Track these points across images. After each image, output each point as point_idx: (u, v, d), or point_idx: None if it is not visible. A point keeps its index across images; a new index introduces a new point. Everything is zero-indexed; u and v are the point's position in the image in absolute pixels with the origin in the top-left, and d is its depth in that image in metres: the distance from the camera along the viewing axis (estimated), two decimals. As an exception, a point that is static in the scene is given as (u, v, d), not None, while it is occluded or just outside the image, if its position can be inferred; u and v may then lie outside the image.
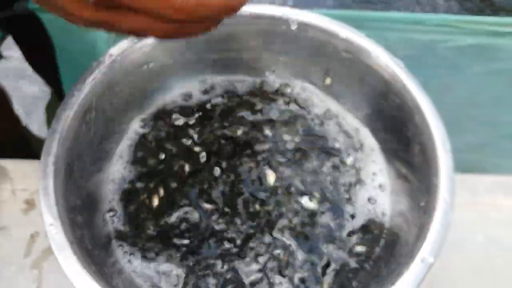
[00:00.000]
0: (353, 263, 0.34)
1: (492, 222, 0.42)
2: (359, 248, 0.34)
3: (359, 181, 0.37)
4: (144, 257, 0.34)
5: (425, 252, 0.28)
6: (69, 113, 0.33)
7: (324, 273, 0.33)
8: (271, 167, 0.37)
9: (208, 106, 0.40)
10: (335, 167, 0.38)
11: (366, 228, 0.35)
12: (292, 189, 0.36)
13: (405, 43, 0.59)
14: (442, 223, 0.30)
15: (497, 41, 0.58)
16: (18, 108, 0.80)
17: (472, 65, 0.61)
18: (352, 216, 0.36)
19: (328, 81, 0.41)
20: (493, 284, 0.39)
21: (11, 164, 0.45)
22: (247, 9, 0.36)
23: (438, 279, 0.39)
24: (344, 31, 0.37)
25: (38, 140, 0.70)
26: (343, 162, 0.38)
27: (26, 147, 0.65)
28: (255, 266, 0.33)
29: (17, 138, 0.65)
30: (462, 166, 0.45)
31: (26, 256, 0.40)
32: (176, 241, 0.34)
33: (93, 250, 0.30)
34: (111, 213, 0.35)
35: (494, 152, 0.67)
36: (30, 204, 0.42)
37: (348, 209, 0.36)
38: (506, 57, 0.59)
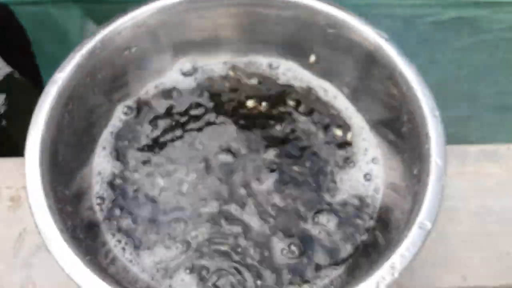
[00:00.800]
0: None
1: (483, 190, 0.42)
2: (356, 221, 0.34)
3: (352, 158, 0.37)
4: (136, 247, 0.33)
5: (422, 217, 0.28)
6: (50, 103, 0.32)
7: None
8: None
9: (193, 88, 0.40)
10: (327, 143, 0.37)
11: (361, 202, 0.35)
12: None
13: (385, 19, 0.59)
14: (436, 188, 0.29)
15: (478, 13, 0.58)
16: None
17: (453, 39, 0.61)
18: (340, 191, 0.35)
19: (312, 58, 0.40)
20: (489, 251, 0.40)
21: (-6, 162, 0.43)
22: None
23: (433, 249, 0.39)
24: (326, 7, 0.37)
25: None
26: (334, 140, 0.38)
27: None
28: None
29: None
30: (448, 140, 0.45)
31: (16, 255, 0.39)
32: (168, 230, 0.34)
33: (85, 239, 0.30)
34: (99, 200, 0.34)
35: (478, 124, 0.68)
36: (16, 201, 0.41)
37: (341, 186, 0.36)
38: (487, 29, 0.59)
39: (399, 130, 0.35)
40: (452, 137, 0.46)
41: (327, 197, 0.35)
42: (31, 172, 0.30)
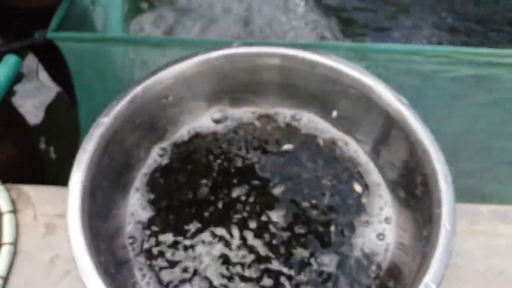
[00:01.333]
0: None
1: (491, 251, 0.43)
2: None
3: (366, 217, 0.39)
4: (160, 283, 0.36)
5: (428, 279, 0.30)
6: (93, 145, 0.36)
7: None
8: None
9: (222, 134, 0.43)
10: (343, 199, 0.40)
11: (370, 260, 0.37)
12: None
13: (405, 74, 0.61)
14: (444, 251, 0.31)
15: (494, 72, 0.61)
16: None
17: (470, 95, 0.63)
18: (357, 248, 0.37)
19: (334, 114, 0.43)
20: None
21: (32, 190, 0.47)
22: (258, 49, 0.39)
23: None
24: (351, 70, 0.40)
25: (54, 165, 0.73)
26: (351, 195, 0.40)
27: (41, 172, 0.67)
28: None
29: (34, 164, 0.67)
30: (461, 192, 0.47)
31: (46, 279, 0.42)
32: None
33: (116, 274, 0.32)
34: (131, 240, 0.37)
35: (492, 178, 0.69)
36: (50, 229, 0.44)
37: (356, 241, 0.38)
38: (503, 87, 0.62)
39: (413, 191, 0.37)
40: (466, 189, 0.48)
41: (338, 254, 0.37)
42: (72, 209, 0.33)
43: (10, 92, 0.67)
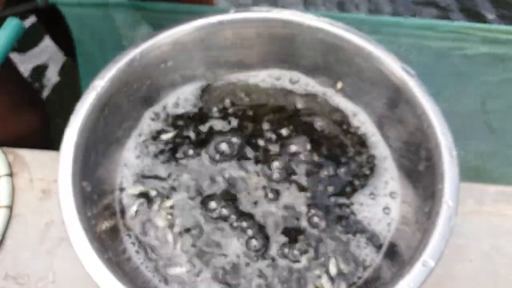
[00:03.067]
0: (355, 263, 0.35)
1: (497, 231, 0.42)
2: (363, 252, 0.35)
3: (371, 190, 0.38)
4: (150, 248, 0.35)
5: (426, 255, 0.29)
6: (87, 108, 0.35)
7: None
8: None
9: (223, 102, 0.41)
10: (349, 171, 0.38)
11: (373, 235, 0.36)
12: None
13: (418, 50, 0.59)
14: (445, 228, 0.30)
15: (509, 50, 0.59)
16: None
17: (483, 74, 0.61)
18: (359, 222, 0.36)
19: (339, 85, 0.42)
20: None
21: (29, 154, 0.46)
22: (260, 14, 0.37)
23: (442, 286, 0.40)
24: (357, 38, 0.38)
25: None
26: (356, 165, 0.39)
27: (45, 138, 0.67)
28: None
29: (46, 132, 0.67)
30: (470, 174, 0.45)
31: (41, 243, 0.42)
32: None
33: (106, 239, 0.32)
34: (122, 205, 0.36)
35: (503, 161, 0.67)
36: (46, 193, 0.44)
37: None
38: (518, 66, 0.59)
39: (418, 166, 0.36)
40: (475, 172, 0.46)
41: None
42: (63, 169, 0.32)
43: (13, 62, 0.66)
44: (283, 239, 0.36)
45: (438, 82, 0.61)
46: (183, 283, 0.33)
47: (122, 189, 0.37)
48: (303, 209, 0.37)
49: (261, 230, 0.36)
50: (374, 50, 0.37)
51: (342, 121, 0.41)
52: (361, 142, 0.40)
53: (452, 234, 0.31)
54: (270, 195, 0.37)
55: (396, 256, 0.33)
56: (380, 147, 0.40)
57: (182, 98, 0.41)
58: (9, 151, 0.46)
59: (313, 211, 0.37)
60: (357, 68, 0.39)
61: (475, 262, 0.41)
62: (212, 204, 0.37)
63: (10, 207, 0.43)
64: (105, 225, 0.33)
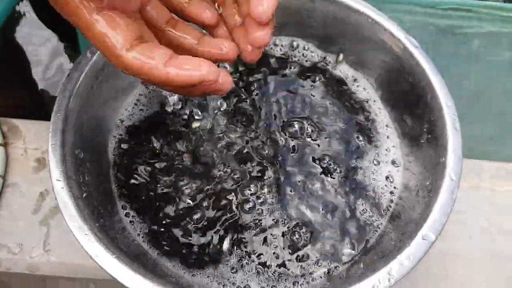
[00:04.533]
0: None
1: (496, 207, 0.42)
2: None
3: (374, 157, 0.37)
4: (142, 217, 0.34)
5: (427, 229, 0.28)
6: (80, 74, 0.34)
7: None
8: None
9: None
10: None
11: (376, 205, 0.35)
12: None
13: (420, 28, 0.58)
14: (446, 202, 0.29)
15: (517, 30, 0.57)
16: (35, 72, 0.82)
17: (491, 54, 0.60)
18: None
19: (341, 57, 0.41)
20: (494, 270, 0.39)
21: (23, 124, 0.45)
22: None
23: (437, 264, 0.39)
24: (360, 6, 0.37)
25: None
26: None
27: (41, 112, 0.66)
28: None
29: (33, 103, 0.66)
30: (472, 156, 0.44)
31: (35, 213, 0.41)
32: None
33: (99, 207, 0.31)
34: (115, 170, 0.36)
35: (506, 143, 0.66)
36: (41, 163, 0.43)
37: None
38: (526, 47, 0.58)
39: (420, 137, 0.35)
40: (476, 154, 0.45)
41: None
42: (54, 136, 0.31)
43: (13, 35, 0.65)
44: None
45: (443, 61, 0.59)
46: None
47: (116, 155, 0.36)
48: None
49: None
50: (379, 19, 0.36)
51: (343, 88, 0.39)
52: (362, 108, 0.39)
53: (454, 207, 0.30)
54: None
55: (397, 227, 0.32)
56: (381, 115, 0.38)
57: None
58: (3, 121, 0.45)
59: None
60: (360, 37, 0.38)
61: (474, 238, 0.40)
62: (218, 169, 0.36)
63: (3, 177, 0.42)
64: (99, 192, 0.32)
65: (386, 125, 0.38)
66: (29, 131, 0.45)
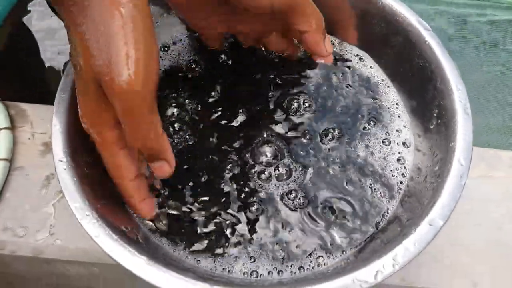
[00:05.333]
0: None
1: (509, 197, 0.41)
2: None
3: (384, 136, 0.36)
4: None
5: (434, 214, 0.28)
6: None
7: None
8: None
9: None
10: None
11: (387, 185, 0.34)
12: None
13: (434, 16, 0.57)
14: (455, 188, 0.29)
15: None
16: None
17: (505, 42, 0.58)
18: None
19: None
20: (506, 260, 0.38)
21: (31, 108, 0.45)
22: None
23: (447, 251, 0.38)
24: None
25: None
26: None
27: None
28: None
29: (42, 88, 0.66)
30: (481, 146, 0.43)
31: (41, 197, 0.41)
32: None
33: (102, 187, 0.31)
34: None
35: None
36: (48, 147, 0.43)
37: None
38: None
39: (429, 122, 0.34)
40: (494, 146, 0.44)
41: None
42: (57, 117, 0.31)
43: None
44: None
45: (456, 49, 0.58)
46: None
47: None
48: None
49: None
50: (389, 1, 0.35)
51: (348, 66, 0.39)
52: (371, 87, 0.38)
53: (462, 197, 0.29)
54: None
55: (405, 211, 0.31)
56: (391, 95, 0.37)
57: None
58: (11, 105, 0.45)
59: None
60: (369, 19, 0.37)
61: (484, 228, 0.39)
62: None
63: (9, 160, 0.42)
64: (102, 172, 0.32)
65: (397, 104, 0.37)
66: (36, 115, 0.45)
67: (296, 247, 0.31)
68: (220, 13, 0.34)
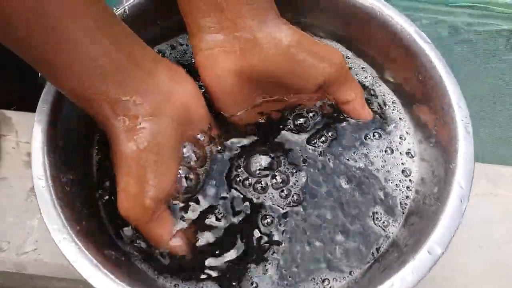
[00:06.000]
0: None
1: (509, 217, 0.39)
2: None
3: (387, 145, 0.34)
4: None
5: (433, 241, 0.26)
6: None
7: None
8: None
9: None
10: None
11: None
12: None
13: (434, 26, 0.55)
14: (455, 213, 0.27)
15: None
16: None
17: (506, 52, 0.57)
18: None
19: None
20: (505, 279, 0.37)
21: (16, 116, 0.44)
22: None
23: (448, 275, 0.37)
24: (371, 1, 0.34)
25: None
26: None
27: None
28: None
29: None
30: (483, 160, 0.42)
31: (24, 209, 0.40)
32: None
33: (83, 207, 0.29)
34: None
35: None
36: (32, 157, 0.41)
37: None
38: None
39: (427, 140, 0.32)
40: (489, 158, 0.43)
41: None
42: (37, 132, 0.30)
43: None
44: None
45: (455, 59, 0.57)
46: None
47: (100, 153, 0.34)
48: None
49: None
50: (389, 12, 0.34)
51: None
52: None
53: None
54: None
55: (405, 234, 0.30)
56: (393, 111, 0.36)
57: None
58: (-5, 112, 0.44)
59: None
60: (370, 31, 0.35)
61: (485, 249, 0.38)
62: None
63: (-7, 170, 0.40)
64: (83, 192, 0.30)
65: (400, 119, 0.35)
66: (22, 123, 0.44)
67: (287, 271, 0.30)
68: (256, 96, 0.33)
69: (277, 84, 0.32)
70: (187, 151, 0.31)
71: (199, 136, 0.31)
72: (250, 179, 0.32)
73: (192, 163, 0.31)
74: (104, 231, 0.30)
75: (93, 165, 0.33)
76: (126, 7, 0.34)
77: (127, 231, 0.30)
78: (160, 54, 0.37)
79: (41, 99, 0.30)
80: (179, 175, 0.30)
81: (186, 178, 0.30)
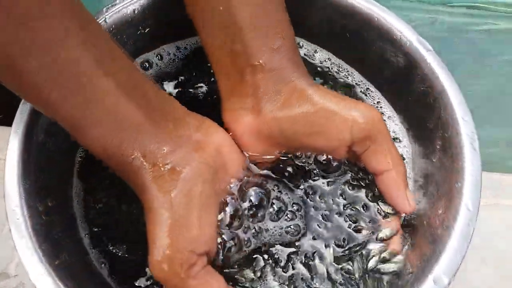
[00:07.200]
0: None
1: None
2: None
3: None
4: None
5: (439, 270, 0.24)
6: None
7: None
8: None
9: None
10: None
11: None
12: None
13: (431, 25, 0.54)
14: (462, 237, 0.25)
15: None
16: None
17: (504, 52, 0.55)
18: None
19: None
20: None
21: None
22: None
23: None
24: (371, 6, 0.32)
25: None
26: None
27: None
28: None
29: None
30: (484, 162, 0.40)
31: (3, 228, 0.37)
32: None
33: (61, 238, 0.27)
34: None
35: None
36: (10, 175, 0.39)
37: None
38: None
39: (431, 156, 0.30)
40: (489, 160, 0.41)
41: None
42: (12, 157, 0.28)
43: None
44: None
45: (453, 60, 0.55)
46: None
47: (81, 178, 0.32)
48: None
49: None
50: (388, 18, 0.32)
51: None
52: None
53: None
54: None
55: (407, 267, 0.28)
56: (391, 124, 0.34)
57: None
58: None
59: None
60: (365, 37, 0.33)
61: (489, 262, 0.36)
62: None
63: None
64: (62, 220, 0.28)
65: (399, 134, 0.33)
66: (2, 138, 0.41)
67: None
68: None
69: (304, 146, 0.30)
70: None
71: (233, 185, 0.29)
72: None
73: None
74: (85, 266, 0.27)
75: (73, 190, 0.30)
76: (106, 17, 0.32)
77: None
78: (147, 63, 0.35)
79: (15, 122, 0.28)
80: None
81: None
